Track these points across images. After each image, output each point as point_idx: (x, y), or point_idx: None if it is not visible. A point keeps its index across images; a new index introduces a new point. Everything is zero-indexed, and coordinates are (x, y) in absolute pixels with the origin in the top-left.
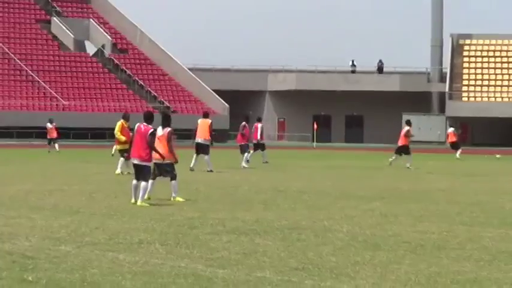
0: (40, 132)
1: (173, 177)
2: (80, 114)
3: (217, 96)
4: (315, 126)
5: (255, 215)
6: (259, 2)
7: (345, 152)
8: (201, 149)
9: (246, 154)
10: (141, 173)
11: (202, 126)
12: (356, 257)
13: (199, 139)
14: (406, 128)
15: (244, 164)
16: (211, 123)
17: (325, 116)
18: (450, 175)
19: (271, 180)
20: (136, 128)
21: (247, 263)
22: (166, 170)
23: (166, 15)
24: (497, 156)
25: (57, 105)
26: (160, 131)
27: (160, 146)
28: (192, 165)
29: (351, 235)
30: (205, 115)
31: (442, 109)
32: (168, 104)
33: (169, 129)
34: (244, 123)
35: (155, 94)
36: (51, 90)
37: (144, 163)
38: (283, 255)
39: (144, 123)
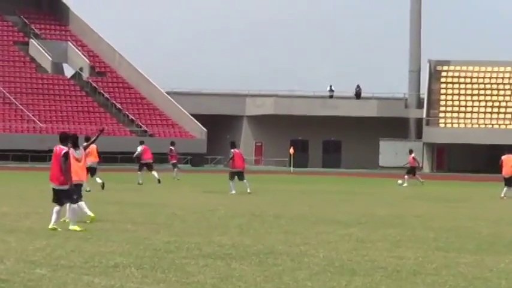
0: (17, 155)
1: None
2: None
3: (194, 120)
4: (291, 150)
5: (231, 240)
6: (238, 27)
7: (322, 177)
8: (93, 171)
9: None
10: (63, 196)
11: (93, 150)
12: (332, 282)
13: (91, 163)
14: (508, 157)
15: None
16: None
17: (302, 140)
18: (426, 200)
19: (247, 204)
20: (54, 150)
21: (223, 287)
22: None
23: (144, 38)
24: (399, 181)
25: (34, 127)
26: (77, 152)
27: (79, 166)
28: (100, 182)
29: (327, 260)
30: (88, 139)
31: (419, 135)
32: (145, 128)
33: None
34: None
35: (133, 118)
36: (28, 113)
37: (62, 187)
38: (259, 280)
39: (60, 145)
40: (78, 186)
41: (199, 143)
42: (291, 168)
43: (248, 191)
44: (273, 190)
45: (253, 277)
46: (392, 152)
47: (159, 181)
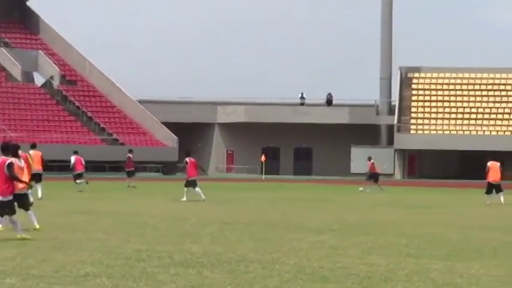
0: None
1: (29, 208)
2: (28, 146)
3: (165, 128)
4: (263, 158)
5: (203, 248)
6: (208, 35)
7: (294, 184)
8: (38, 178)
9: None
10: (5, 207)
11: (36, 157)
12: None
13: (36, 170)
14: (498, 163)
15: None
16: (42, 154)
17: (274, 148)
18: (398, 207)
19: (219, 212)
20: None
21: None
22: (24, 200)
23: (115, 47)
24: (360, 189)
25: (4, 137)
26: (20, 162)
27: (22, 175)
28: (40, 195)
29: (299, 267)
30: (33, 146)
31: (390, 141)
32: (116, 136)
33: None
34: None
35: (104, 126)
36: None
37: (5, 198)
38: None
39: (2, 156)
40: (23, 195)
41: (171, 151)
42: (263, 176)
43: (202, 197)
44: (245, 198)
45: (224, 285)
46: (363, 158)
47: (80, 191)
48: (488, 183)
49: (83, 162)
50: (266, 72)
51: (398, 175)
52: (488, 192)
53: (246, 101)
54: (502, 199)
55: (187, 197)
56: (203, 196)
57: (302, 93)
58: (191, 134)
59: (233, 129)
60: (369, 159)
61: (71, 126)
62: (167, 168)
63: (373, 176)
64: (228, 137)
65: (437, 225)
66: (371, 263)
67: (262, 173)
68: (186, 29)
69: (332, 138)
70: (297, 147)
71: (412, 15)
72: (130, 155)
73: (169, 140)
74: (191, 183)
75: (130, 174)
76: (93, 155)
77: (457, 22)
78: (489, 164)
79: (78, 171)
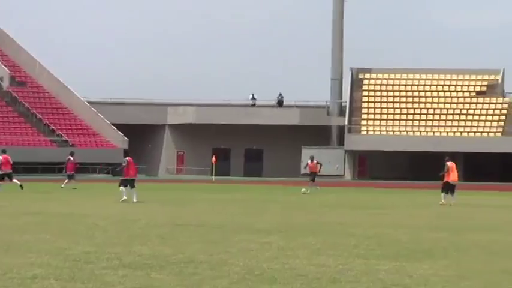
0: None
1: None
2: None
3: (115, 129)
4: (214, 159)
5: (152, 249)
6: (159, 36)
7: (244, 185)
8: None
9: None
10: None
11: None
12: None
13: None
14: (453, 164)
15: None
16: None
17: (224, 149)
18: (348, 208)
19: (169, 214)
20: None
21: None
22: None
23: (64, 48)
24: (303, 190)
25: None
26: None
27: None
28: None
29: (247, 268)
30: None
31: (341, 142)
32: (66, 138)
33: None
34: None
35: (53, 128)
36: None
37: None
38: None
39: None
40: None
41: (121, 153)
42: (213, 177)
43: (134, 200)
44: (195, 199)
45: (172, 286)
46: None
47: (21, 187)
48: (447, 182)
49: (11, 161)
50: (216, 73)
51: (348, 176)
52: (446, 191)
53: (196, 102)
54: (452, 200)
55: (136, 197)
56: (125, 197)
57: (253, 94)
58: (141, 135)
59: (183, 130)
60: (311, 159)
61: (20, 127)
62: (117, 170)
63: (310, 175)
64: (179, 138)
65: (387, 226)
66: (320, 264)
67: (212, 174)
68: (136, 29)
69: (283, 139)
70: (247, 148)
71: (363, 15)
72: (71, 158)
73: (120, 141)
74: (129, 182)
75: (70, 177)
76: (43, 157)
77: (407, 23)
78: (449, 164)
79: (6, 171)
